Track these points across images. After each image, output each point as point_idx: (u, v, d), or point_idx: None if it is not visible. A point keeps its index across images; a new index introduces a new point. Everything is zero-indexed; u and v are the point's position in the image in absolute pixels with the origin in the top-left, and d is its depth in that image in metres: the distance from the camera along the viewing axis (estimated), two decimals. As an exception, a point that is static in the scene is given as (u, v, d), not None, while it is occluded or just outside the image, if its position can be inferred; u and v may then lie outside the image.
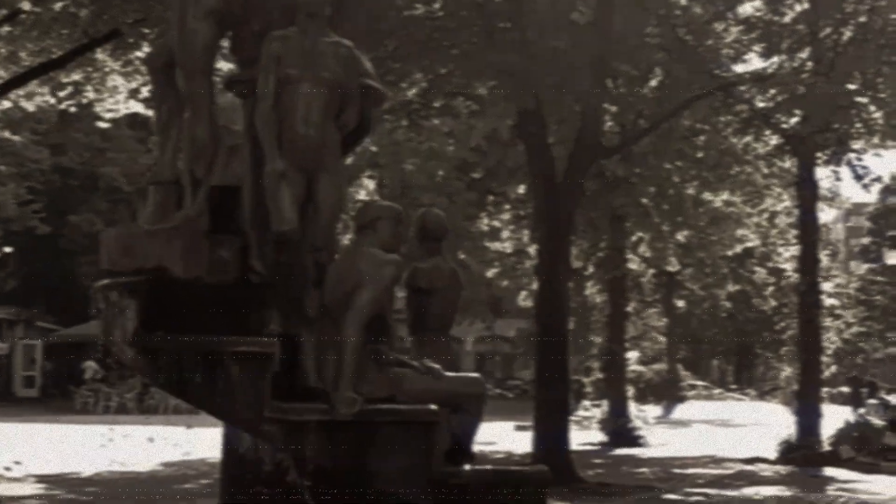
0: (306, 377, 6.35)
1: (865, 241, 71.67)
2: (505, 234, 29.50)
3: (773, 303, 38.81)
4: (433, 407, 6.36)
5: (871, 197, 60.93)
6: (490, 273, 30.41)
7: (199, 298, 6.31)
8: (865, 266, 67.95)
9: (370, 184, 24.46)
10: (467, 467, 6.59)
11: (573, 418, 26.74)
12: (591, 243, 28.59)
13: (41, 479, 17.42)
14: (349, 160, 23.55)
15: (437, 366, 6.66)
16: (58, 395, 40.98)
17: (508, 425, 29.79)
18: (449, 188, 24.88)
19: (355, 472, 6.08)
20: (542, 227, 20.03)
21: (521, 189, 26.44)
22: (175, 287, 6.31)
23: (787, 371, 39.01)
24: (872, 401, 32.81)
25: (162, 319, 6.15)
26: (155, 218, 6.74)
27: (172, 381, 6.04)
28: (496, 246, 29.71)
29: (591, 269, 30.07)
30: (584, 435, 27.34)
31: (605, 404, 29.85)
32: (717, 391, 68.00)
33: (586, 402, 33.98)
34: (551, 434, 18.65)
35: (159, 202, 6.80)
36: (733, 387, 73.90)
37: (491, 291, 35.32)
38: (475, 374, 7.12)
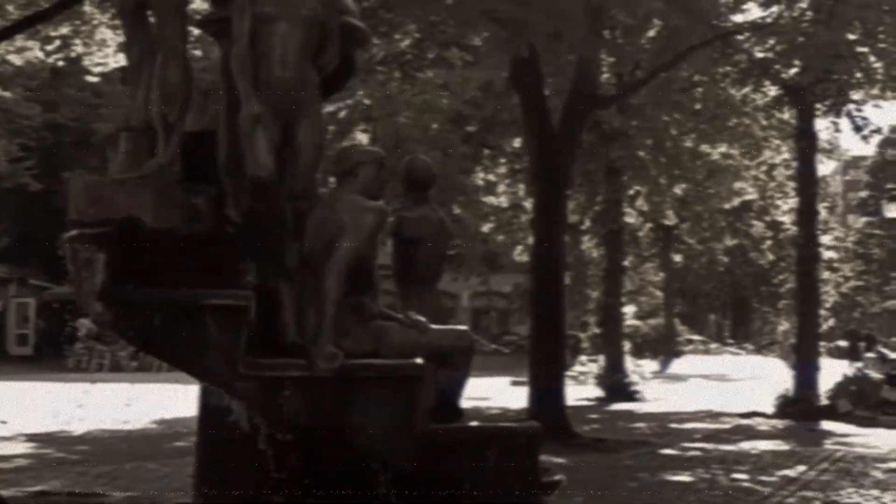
0: (285, 332, 6.01)
1: (863, 194, 71.20)
2: (501, 188, 29.18)
3: (771, 257, 38.62)
4: (418, 361, 6.02)
5: (870, 150, 60.61)
6: (485, 228, 30.08)
7: (171, 250, 5.97)
8: (863, 219, 67.62)
9: (363, 137, 24.11)
10: (455, 425, 6.27)
11: (569, 374, 26.52)
12: (588, 197, 28.29)
13: (31, 437, 17.11)
14: (342, 113, 23.29)
15: (422, 318, 6.33)
16: (51, 353, 40.69)
17: (504, 381, 29.62)
18: (443, 141, 24.53)
19: (336, 430, 5.75)
20: (538, 180, 19.69)
21: (517, 143, 26.10)
22: (146, 238, 5.95)
23: (784, 325, 38.84)
24: (870, 354, 32.57)
25: (132, 272, 5.82)
26: (125, 166, 6.38)
27: (143, 336, 5.70)
28: (491, 200, 29.39)
29: (587, 224, 29.76)
30: (580, 390, 27.11)
31: (601, 359, 29.62)
32: (713, 346, 67.93)
33: (582, 358, 33.77)
34: (546, 389, 18.37)
35: (130, 150, 6.43)
36: (730, 341, 73.82)
37: (487, 247, 35.04)
38: (463, 327, 6.77)
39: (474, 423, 6.38)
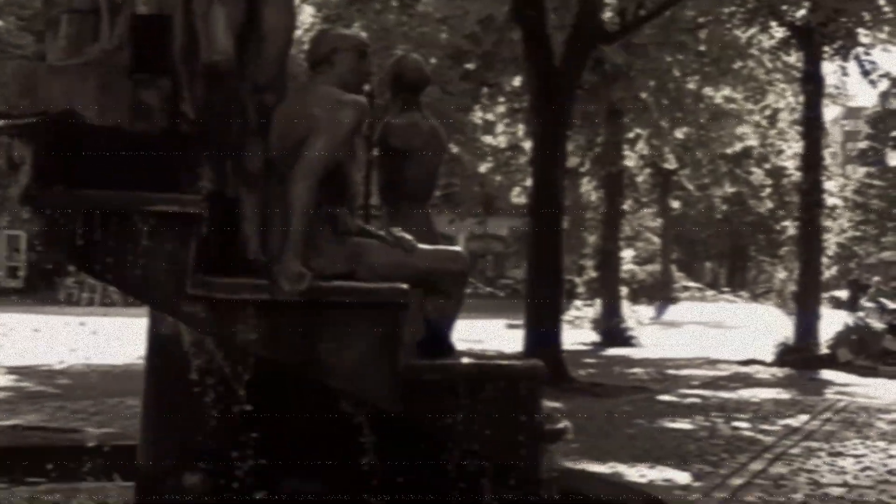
0: (245, 248, 4.98)
1: (863, 145, 70.20)
2: (499, 128, 28.15)
3: (770, 204, 37.85)
4: (402, 286, 5.00)
5: (869, 100, 59.72)
6: (483, 168, 29.09)
7: (115, 151, 4.96)
8: (862, 170, 66.72)
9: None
10: (445, 361, 5.25)
11: (565, 318, 25.76)
12: (588, 139, 27.34)
13: (13, 370, 16.28)
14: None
15: (408, 236, 5.28)
16: (42, 287, 39.82)
17: (499, 323, 28.95)
18: (441, 77, 23.45)
19: (303, 365, 4.73)
20: (537, 118, 18.73)
21: (517, 81, 25.13)
22: (86, 136, 4.93)
23: (781, 274, 38.04)
24: (870, 304, 31.72)
25: (64, 174, 4.78)
26: (66, 52, 5.34)
27: (74, 248, 4.65)
28: (490, 141, 28.38)
29: (587, 166, 28.80)
30: (575, 334, 26.40)
31: (597, 304, 28.77)
32: (709, 293, 67.02)
33: (578, 302, 32.90)
34: (543, 333, 17.59)
35: (72, 34, 5.36)
36: (726, 289, 72.95)
37: (484, 189, 34.16)
38: (456, 248, 5.61)
39: (468, 361, 5.33)
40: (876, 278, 40.81)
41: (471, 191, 28.83)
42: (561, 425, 5.47)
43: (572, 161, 26.74)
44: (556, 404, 14.30)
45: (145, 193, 4.67)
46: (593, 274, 30.47)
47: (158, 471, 5.11)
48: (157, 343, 5.13)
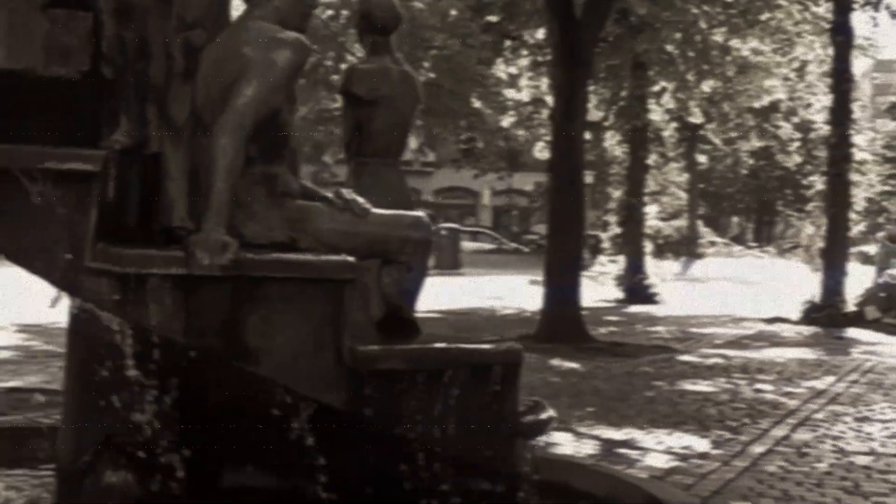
0: (169, 212, 4.20)
1: (893, 98, 68.57)
2: (523, 81, 27.16)
3: (798, 159, 36.84)
4: (347, 258, 4.15)
5: (898, 52, 58.17)
6: (505, 123, 28.13)
7: (21, 97, 4.16)
8: (893, 124, 65.14)
9: (378, 23, 22.22)
10: (401, 346, 4.39)
11: (589, 274, 24.98)
12: (612, 92, 26.33)
13: (23, 328, 15.62)
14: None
15: (360, 199, 4.38)
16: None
17: (522, 280, 28.30)
18: (462, 29, 22.59)
19: (227, 351, 3.90)
20: (558, 70, 17.84)
21: (541, 34, 24.17)
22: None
23: (808, 229, 37.05)
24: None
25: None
26: (-30, -15, 4.53)
27: None
28: (513, 94, 27.40)
29: (611, 120, 27.81)
30: (599, 291, 25.60)
31: (621, 260, 27.88)
32: (736, 248, 65.81)
33: (602, 258, 32.00)
34: (562, 290, 16.81)
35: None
36: (752, 244, 71.74)
37: (508, 143, 33.27)
38: (418, 213, 4.70)
39: (432, 345, 4.46)
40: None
41: (493, 146, 27.97)
42: (545, 415, 4.62)
43: (596, 115, 25.86)
44: (574, 364, 13.74)
45: (35, 148, 3.83)
46: (617, 229, 29.48)
47: (78, 467, 4.32)
48: (76, 318, 4.30)
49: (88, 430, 4.30)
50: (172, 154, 4.20)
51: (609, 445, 8.70)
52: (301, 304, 3.95)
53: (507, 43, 25.24)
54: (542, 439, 8.58)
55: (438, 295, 23.68)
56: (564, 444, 8.58)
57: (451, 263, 35.75)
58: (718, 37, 24.51)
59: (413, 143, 39.91)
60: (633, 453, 8.44)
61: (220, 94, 4.11)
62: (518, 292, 24.70)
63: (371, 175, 5.39)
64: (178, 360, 3.96)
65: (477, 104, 24.60)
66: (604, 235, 33.11)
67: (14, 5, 4.35)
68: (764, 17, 24.18)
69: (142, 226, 4.19)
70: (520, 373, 4.37)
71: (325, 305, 3.98)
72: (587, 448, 8.56)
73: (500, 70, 26.10)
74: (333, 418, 4.04)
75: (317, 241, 4.25)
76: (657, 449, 8.58)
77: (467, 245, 43.62)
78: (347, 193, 4.37)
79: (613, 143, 29.67)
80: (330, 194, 4.38)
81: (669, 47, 24.12)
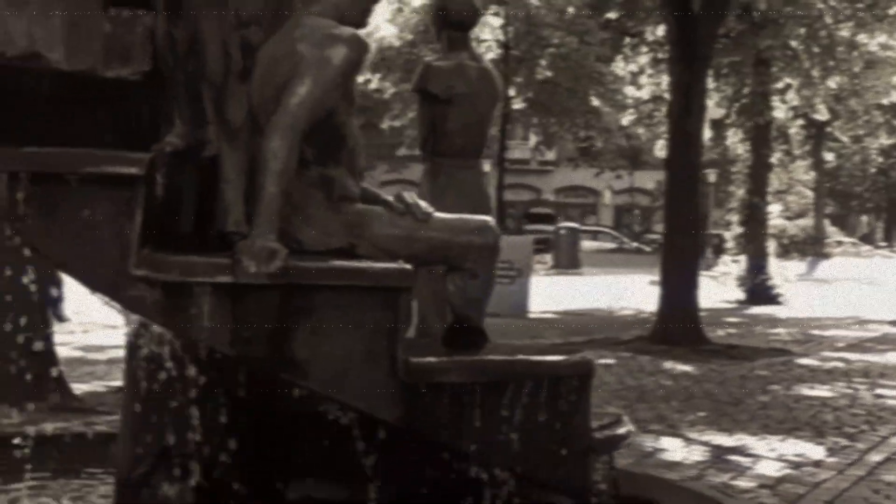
0: (224, 217, 4.01)
1: None
2: (643, 79, 26.66)
3: (930, 156, 35.62)
4: (403, 265, 3.90)
5: None
6: (625, 121, 27.67)
7: (82, 99, 4.03)
8: None
9: (495, 21, 22.02)
10: (463, 358, 4.13)
11: (711, 274, 24.45)
12: (735, 89, 25.69)
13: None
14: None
15: (422, 203, 4.16)
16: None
17: (643, 280, 27.83)
18: (580, 27, 22.24)
19: (275, 363, 3.72)
20: (675, 67, 17.43)
21: (661, 31, 23.71)
22: (42, 80, 4.02)
23: (941, 228, 35.80)
24: None
25: (13, 126, 3.89)
26: (31, -15, 4.42)
27: (7, 216, 3.69)
28: (632, 92, 26.94)
29: (732, 118, 27.15)
30: (720, 292, 25.00)
31: (743, 260, 27.19)
32: (864, 248, 64.02)
33: (726, 258, 31.30)
34: (679, 291, 16.39)
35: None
36: (882, 244, 69.71)
37: (630, 142, 32.79)
38: (484, 218, 4.37)
39: (494, 357, 4.21)
40: None
41: (611, 144, 27.56)
42: (622, 430, 4.35)
43: (718, 112, 25.26)
44: (687, 367, 13.37)
45: (77, 151, 3.68)
46: (739, 229, 28.78)
47: (134, 478, 4.19)
48: (135, 325, 4.17)
49: (145, 441, 4.16)
50: (229, 156, 4.03)
51: (719, 452, 8.37)
52: (353, 314, 3.74)
53: (627, 40, 24.84)
54: (650, 444, 8.42)
55: (556, 295, 23.43)
56: (673, 449, 8.30)
57: (571, 263, 35.41)
58: (845, 31, 23.77)
59: (531, 141, 39.65)
60: (743, 460, 8.11)
61: (274, 94, 3.92)
62: (637, 293, 24.29)
63: (447, 176, 5.17)
64: (236, 370, 3.78)
65: (595, 102, 24.21)
66: (727, 235, 32.40)
67: (73, 5, 4.23)
68: (892, 10, 23.35)
69: (199, 232, 4.03)
70: (590, 385, 4.10)
71: (379, 315, 3.76)
72: (696, 454, 8.25)
73: (620, 68, 25.67)
74: (389, 437, 3.83)
75: (375, 248, 4.04)
76: (769, 456, 8.22)
77: (587, 244, 43.16)
78: (409, 197, 4.15)
79: (735, 141, 28.99)
80: (391, 198, 4.17)
81: (793, 43, 23.46)
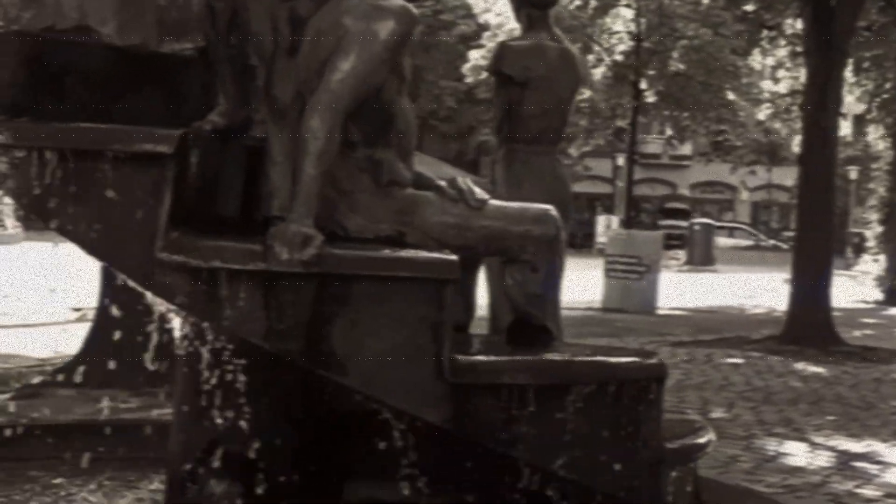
0: (269, 200, 3.71)
1: None
2: (780, 73, 25.80)
3: None
4: (448, 255, 3.55)
5: None
6: (761, 115, 26.80)
7: (134, 74, 3.81)
8: None
9: (628, 13, 21.48)
10: (514, 358, 3.77)
11: (850, 273, 23.51)
12: (876, 84, 24.67)
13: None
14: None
15: (476, 189, 3.80)
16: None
17: (779, 278, 26.90)
18: (715, 19, 21.54)
19: (310, 358, 3.42)
20: (810, 59, 16.73)
21: (801, 24, 22.88)
22: (90, 55, 3.79)
23: None
24: None
25: (61, 103, 3.68)
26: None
27: (25, 190, 3.44)
28: (769, 86, 26.08)
29: (874, 113, 26.09)
30: (858, 291, 24.00)
31: (882, 259, 26.10)
32: None
33: (866, 257, 30.14)
34: (811, 289, 15.70)
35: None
36: None
37: (768, 137, 31.83)
38: (544, 207, 3.97)
39: (553, 357, 3.82)
40: None
41: (746, 139, 26.75)
42: (702, 439, 3.94)
43: (858, 108, 24.28)
44: (819, 369, 12.75)
45: (105, 126, 3.43)
46: (879, 228, 27.65)
47: (182, 473, 3.95)
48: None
49: (195, 435, 3.92)
50: (277, 137, 3.73)
51: (845, 458, 7.86)
52: (394, 307, 3.42)
53: (764, 33, 24.03)
54: (773, 448, 7.97)
55: (687, 291, 22.81)
56: (797, 454, 7.82)
57: (704, 260, 34.58)
58: None
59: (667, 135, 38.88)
60: (871, 468, 7.57)
61: (319, 70, 3.62)
62: (772, 291, 23.47)
63: (522, 163, 4.81)
64: (250, 367, 3.51)
65: (730, 96, 23.48)
66: (868, 233, 31.19)
67: (126, -22, 4.01)
68: None
69: (246, 217, 3.76)
70: (662, 390, 3.71)
71: (422, 308, 3.43)
72: (820, 460, 7.76)
73: (756, 61, 24.84)
74: (436, 439, 3.51)
75: (425, 236, 3.71)
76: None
77: (723, 241, 42.17)
78: (462, 182, 3.80)
79: (876, 137, 27.87)
80: (443, 183, 3.83)
81: (941, 36, 22.42)
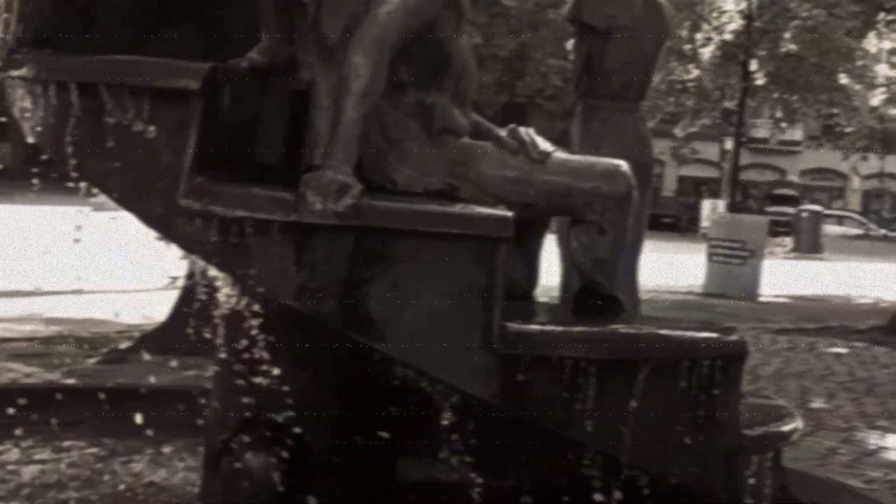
0: (313, 147, 3.32)
1: None
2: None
3: None
4: (501, 211, 3.15)
5: None
6: (875, 100, 25.81)
7: (167, 6, 3.49)
8: None
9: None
10: (575, 329, 3.35)
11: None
12: None
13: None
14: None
15: (539, 139, 3.38)
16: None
17: (890, 268, 26.03)
18: (829, -1, 20.71)
19: (345, 321, 3.04)
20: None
21: (921, 7, 21.89)
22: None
23: None
24: None
25: (97, 39, 3.37)
26: None
27: (47, 127, 3.14)
28: (884, 70, 25.09)
29: None
30: None
31: None
32: None
33: None
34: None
35: None
36: None
37: (883, 124, 30.67)
38: (616, 161, 3.51)
39: (617, 329, 3.39)
40: None
41: (858, 124, 25.72)
42: (787, 427, 3.51)
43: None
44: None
45: (125, 58, 3.09)
46: None
47: (219, 445, 3.64)
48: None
49: (232, 408, 3.59)
50: (324, 78, 3.35)
51: (951, 454, 7.37)
52: (439, 267, 3.03)
53: (882, 15, 23.07)
54: (874, 442, 7.50)
55: (792, 279, 22.07)
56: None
57: (812, 247, 33.64)
58: None
59: (775, 117, 37.77)
60: (978, 464, 7.08)
61: (367, 3, 3.25)
62: (881, 281, 22.65)
63: (601, 121, 4.40)
64: (279, 327, 3.17)
65: (843, 80, 22.58)
66: None
67: None
68: None
69: (290, 165, 3.41)
70: (742, 371, 3.29)
71: (471, 270, 3.03)
72: (925, 455, 7.30)
73: (872, 44, 23.88)
74: (487, 416, 3.13)
75: (481, 191, 3.31)
76: None
77: (831, 229, 41.01)
78: (524, 133, 3.39)
79: None
80: (503, 133, 3.42)
81: None
